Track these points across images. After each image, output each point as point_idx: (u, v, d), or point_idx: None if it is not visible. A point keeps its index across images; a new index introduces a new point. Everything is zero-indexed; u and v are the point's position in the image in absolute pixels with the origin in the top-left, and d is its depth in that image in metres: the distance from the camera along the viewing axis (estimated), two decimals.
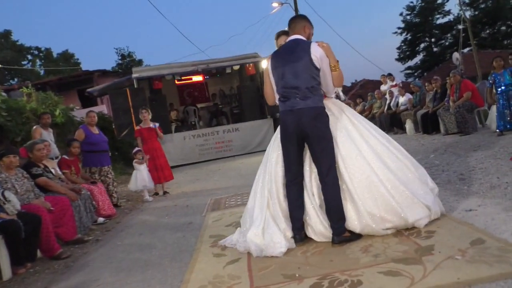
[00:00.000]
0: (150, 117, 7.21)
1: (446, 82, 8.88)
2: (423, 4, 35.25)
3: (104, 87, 13.12)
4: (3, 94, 12.38)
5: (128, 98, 11.68)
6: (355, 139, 3.00)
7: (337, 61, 2.99)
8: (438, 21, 35.74)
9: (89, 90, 13.67)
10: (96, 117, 6.44)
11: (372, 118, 11.62)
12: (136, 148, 6.99)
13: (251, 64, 12.89)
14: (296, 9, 18.31)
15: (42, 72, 33.28)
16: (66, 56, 37.00)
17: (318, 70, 2.91)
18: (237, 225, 3.96)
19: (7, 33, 31.46)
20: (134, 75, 11.87)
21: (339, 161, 2.96)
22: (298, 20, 3.13)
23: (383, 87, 11.74)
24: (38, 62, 35.17)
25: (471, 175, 4.39)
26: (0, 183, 4.01)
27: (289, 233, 3.05)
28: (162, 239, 4.11)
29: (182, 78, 13.50)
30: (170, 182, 8.44)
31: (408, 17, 36.28)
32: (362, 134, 3.04)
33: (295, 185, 3.04)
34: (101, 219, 5.44)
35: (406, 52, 37.63)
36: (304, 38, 3.03)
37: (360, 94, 14.74)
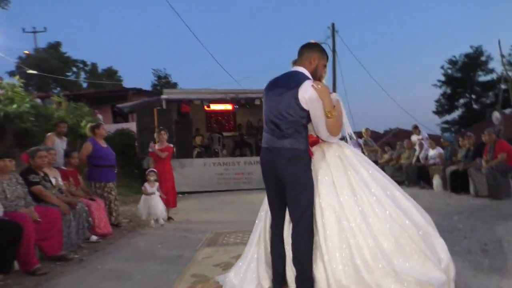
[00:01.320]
0: (167, 137, 7.10)
1: (481, 140, 8.33)
2: (466, 60, 34.62)
3: (134, 104, 13.28)
4: (37, 100, 12.77)
5: (154, 118, 11.72)
6: (342, 190, 2.60)
7: (333, 106, 2.58)
8: (480, 78, 34.91)
9: (118, 106, 13.87)
10: (106, 131, 6.30)
11: (399, 169, 11.09)
12: (150, 169, 6.79)
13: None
14: (334, 49, 18.28)
15: (85, 85, 34.62)
16: (110, 73, 38.40)
17: (304, 111, 2.58)
18: (226, 266, 3.63)
19: (57, 45, 33.09)
20: (163, 96, 11.94)
21: (318, 212, 2.58)
22: (306, 49, 2.79)
23: (414, 138, 11.24)
24: (82, 75, 36.66)
25: (496, 247, 3.88)
26: None
27: (266, 283, 2.71)
28: (144, 269, 3.80)
29: (211, 105, 13.50)
30: (179, 208, 8.20)
31: (450, 71, 35.66)
32: (355, 187, 2.61)
33: (277, 231, 2.72)
34: (94, 237, 5.21)
35: (444, 106, 36.75)
36: (305, 71, 2.72)
37: (389, 142, 14.21)
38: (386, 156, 11.89)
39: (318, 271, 2.49)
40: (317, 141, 2.81)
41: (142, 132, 11.82)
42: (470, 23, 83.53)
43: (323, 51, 2.80)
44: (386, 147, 12.26)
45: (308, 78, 2.64)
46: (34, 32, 33.10)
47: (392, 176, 10.95)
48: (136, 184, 11.83)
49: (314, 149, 2.79)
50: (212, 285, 3.14)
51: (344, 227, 2.48)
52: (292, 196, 2.57)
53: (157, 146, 7.03)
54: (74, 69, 35.37)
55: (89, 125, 6.75)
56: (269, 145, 2.66)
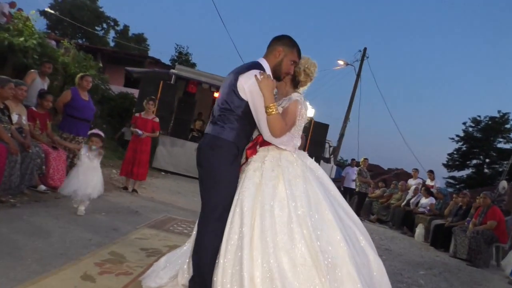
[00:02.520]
0: (154, 109, 6.79)
1: (474, 201, 7.89)
2: (489, 122, 33.91)
3: (143, 71, 13.04)
4: (52, 42, 12.56)
5: (158, 90, 11.44)
6: (265, 199, 2.24)
7: (272, 102, 2.27)
8: (499, 145, 34.12)
9: (128, 68, 13.63)
10: (91, 84, 5.97)
11: (386, 208, 10.68)
12: (94, 130, 4.79)
13: None
14: (359, 73, 17.86)
15: (112, 43, 34.55)
16: (139, 39, 38.26)
17: (242, 101, 2.32)
18: (152, 253, 3.29)
19: None
20: (173, 71, 11.67)
21: (236, 216, 2.25)
22: (274, 41, 2.48)
23: (411, 181, 10.81)
24: (112, 33, 36.56)
25: None
26: None
27: (182, 278, 2.46)
28: (67, 232, 3.48)
29: (218, 91, 13.18)
30: (150, 183, 7.89)
31: (471, 128, 34.94)
32: (280, 199, 2.25)
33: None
34: (42, 187, 4.90)
35: (455, 161, 36.01)
36: (265, 63, 2.43)
37: (386, 179, 13.78)
38: (377, 192, 11.48)
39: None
40: (267, 143, 2.46)
41: (141, 100, 11.51)
42: (504, 88, 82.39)
43: (292, 45, 2.46)
44: (380, 183, 11.86)
45: (253, 69, 2.35)
46: None
47: (378, 214, 10.77)
48: (121, 149, 11.58)
49: (261, 150, 2.49)
50: (121, 269, 2.80)
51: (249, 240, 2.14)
52: (203, 189, 2.36)
53: (142, 115, 6.74)
54: (104, 25, 35.28)
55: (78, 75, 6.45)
56: (206, 130, 2.47)
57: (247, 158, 2.51)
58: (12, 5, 12.37)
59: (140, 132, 6.49)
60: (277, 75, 2.45)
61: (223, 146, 2.35)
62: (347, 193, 13.02)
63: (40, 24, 30.53)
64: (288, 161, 2.39)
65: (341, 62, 18.44)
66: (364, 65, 17.88)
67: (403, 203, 10.06)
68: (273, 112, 2.25)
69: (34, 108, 5.30)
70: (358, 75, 17.87)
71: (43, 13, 29.98)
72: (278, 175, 2.31)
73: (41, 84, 5.78)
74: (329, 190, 2.46)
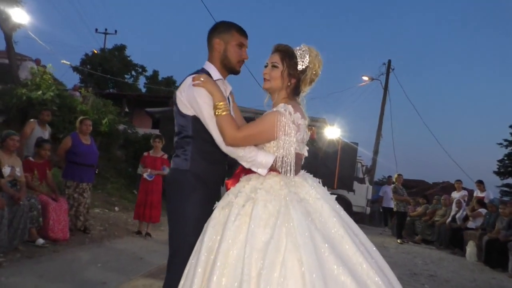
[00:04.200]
0: (161, 146, 6.52)
1: None
2: None
3: (162, 110, 12.98)
4: (76, 94, 12.86)
5: None
6: (222, 240, 1.70)
7: (222, 101, 1.87)
8: None
9: (147, 110, 13.68)
10: (91, 127, 5.78)
11: (431, 226, 9.73)
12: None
13: (313, 128, 11.95)
14: (386, 87, 17.11)
15: (143, 89, 35.70)
16: (169, 82, 39.33)
17: (185, 118, 1.99)
18: None
19: (122, 47, 34.44)
20: None
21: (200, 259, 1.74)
22: (208, 36, 2.10)
23: (454, 194, 9.83)
24: (142, 79, 37.77)
25: None
26: None
27: None
28: None
29: None
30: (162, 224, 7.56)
31: None
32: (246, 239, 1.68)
33: None
34: (40, 241, 4.60)
35: (508, 167, 33.53)
36: (209, 66, 2.06)
37: (428, 194, 12.74)
38: (419, 209, 10.53)
39: None
40: (251, 171, 1.94)
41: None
42: None
43: (227, 28, 2.07)
44: (420, 199, 10.91)
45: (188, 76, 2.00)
46: (105, 33, 34.91)
47: (423, 234, 9.80)
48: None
49: (242, 179, 1.96)
50: None
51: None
52: (169, 229, 2.01)
53: (150, 153, 6.48)
54: (133, 72, 36.59)
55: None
56: None
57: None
58: (37, 61, 12.88)
59: (149, 177, 6.19)
60: (231, 69, 2.09)
61: (177, 178, 2.01)
62: (387, 213, 12.13)
63: (74, 79, 32.03)
64: (266, 192, 1.82)
65: (365, 78, 17.79)
66: (391, 77, 17.16)
67: (448, 220, 9.10)
68: (222, 113, 1.85)
69: (31, 158, 5.12)
70: (385, 89, 17.13)
71: (75, 68, 31.56)
72: (245, 213, 1.76)
73: (42, 132, 5.66)
74: (333, 233, 1.77)
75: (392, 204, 10.23)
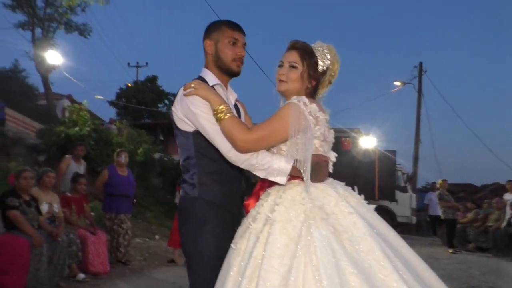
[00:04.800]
0: None
1: None
2: None
3: None
4: (112, 127, 13.25)
5: None
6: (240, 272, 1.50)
7: (222, 104, 1.64)
8: None
9: None
10: (127, 158, 5.88)
11: (484, 232, 9.11)
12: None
13: (348, 139, 11.72)
14: (419, 90, 16.57)
15: None
16: None
17: (184, 135, 1.77)
18: None
19: (154, 78, 35.54)
20: None
21: None
22: (202, 42, 1.88)
23: (507, 196, 9.20)
24: None
25: None
26: None
27: None
28: None
29: None
30: None
31: None
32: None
33: None
34: (80, 276, 4.61)
35: None
36: (205, 72, 1.85)
37: (477, 198, 12.04)
38: (470, 215, 9.91)
39: None
40: (269, 184, 1.71)
41: None
42: None
43: (217, 26, 1.84)
44: (469, 204, 10.30)
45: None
46: (137, 66, 36.16)
47: (476, 241, 9.19)
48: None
49: (261, 197, 1.69)
50: None
51: None
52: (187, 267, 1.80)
53: None
54: (166, 101, 37.57)
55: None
56: None
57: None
58: (69, 97, 13.45)
59: None
60: (227, 70, 1.83)
61: (186, 207, 1.79)
62: (434, 221, 11.54)
63: (110, 113, 33.22)
64: (286, 209, 1.55)
65: (397, 83, 17.32)
66: (424, 80, 16.64)
67: (503, 224, 8.48)
68: (225, 117, 1.60)
69: (68, 194, 5.22)
70: (419, 92, 16.60)
71: (111, 103, 32.82)
72: (263, 241, 1.52)
73: (77, 167, 5.78)
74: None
75: (439, 212, 9.71)
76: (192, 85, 1.69)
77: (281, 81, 1.74)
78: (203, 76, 1.84)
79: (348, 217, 1.53)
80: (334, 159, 1.79)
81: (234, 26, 1.83)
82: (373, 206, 1.72)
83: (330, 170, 1.78)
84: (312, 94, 1.77)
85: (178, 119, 1.76)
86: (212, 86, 1.78)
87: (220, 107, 1.62)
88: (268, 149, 1.68)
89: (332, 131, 1.77)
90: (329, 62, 1.76)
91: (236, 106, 1.91)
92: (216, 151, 1.70)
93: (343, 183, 1.78)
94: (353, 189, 1.75)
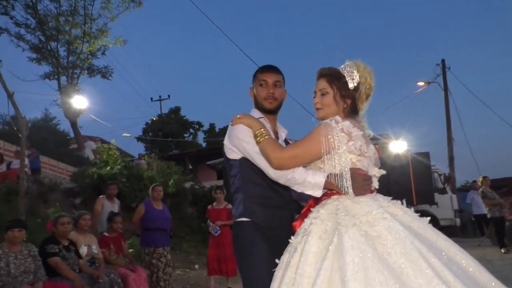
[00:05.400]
0: (223, 197, 6.47)
1: None
2: None
3: (221, 161, 13.15)
4: (141, 162, 13.53)
5: None
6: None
7: (261, 128, 1.86)
8: None
9: (208, 163, 13.95)
10: (162, 192, 5.95)
11: None
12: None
13: (377, 146, 11.42)
14: (445, 87, 16.16)
15: (204, 144, 36.99)
16: (225, 131, 40.49)
17: (234, 161, 2.01)
18: None
19: (177, 109, 36.30)
20: None
21: None
22: None
23: None
24: (201, 135, 39.21)
25: None
26: None
27: None
28: None
29: None
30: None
31: None
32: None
33: None
34: None
35: None
36: (253, 112, 2.13)
37: None
38: None
39: None
40: (310, 206, 1.76)
41: (228, 186, 11.50)
42: None
43: (255, 72, 2.17)
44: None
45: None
46: (160, 100, 36.99)
47: None
48: None
49: (312, 213, 1.71)
50: None
51: None
52: None
53: (214, 206, 6.45)
54: (191, 130, 38.11)
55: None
56: None
57: None
58: (91, 138, 13.86)
59: (214, 232, 6.14)
60: (262, 108, 2.10)
61: (237, 233, 1.98)
62: (480, 221, 11.01)
63: (139, 148, 33.99)
64: (322, 221, 1.59)
65: (421, 83, 16.97)
66: (448, 76, 16.23)
67: None
68: (262, 139, 1.82)
69: (106, 233, 5.29)
70: (445, 90, 16.18)
71: (139, 138, 33.64)
72: (299, 251, 1.57)
73: (111, 206, 5.87)
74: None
75: (484, 210, 9.27)
76: (238, 116, 1.96)
77: (317, 109, 1.87)
78: (250, 113, 2.10)
79: (382, 222, 1.53)
80: (377, 174, 1.82)
81: (263, 69, 2.12)
82: (424, 218, 1.68)
83: (376, 186, 1.80)
84: (351, 112, 1.84)
85: (228, 150, 2.02)
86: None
87: (259, 131, 1.84)
88: (305, 167, 1.78)
89: (372, 146, 1.81)
90: (357, 77, 1.82)
91: (286, 141, 2.17)
92: (260, 176, 1.89)
93: (389, 198, 1.74)
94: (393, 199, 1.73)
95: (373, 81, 1.85)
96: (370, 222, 1.53)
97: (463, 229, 13.00)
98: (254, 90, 2.13)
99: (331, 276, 1.41)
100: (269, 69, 2.11)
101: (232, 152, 1.99)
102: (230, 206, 6.48)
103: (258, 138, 1.82)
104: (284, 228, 1.90)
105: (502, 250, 8.27)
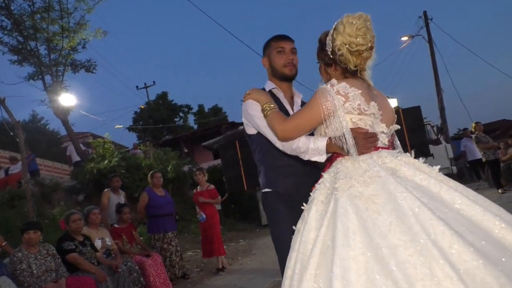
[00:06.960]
0: (205, 178, 6.51)
1: None
2: None
3: (216, 141, 13.24)
4: (137, 151, 13.53)
5: (237, 151, 11.42)
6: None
7: (267, 102, 1.90)
8: None
9: (204, 144, 14.00)
10: (161, 178, 6.02)
11: None
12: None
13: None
14: (430, 39, 16.16)
15: (195, 126, 36.85)
16: (216, 110, 40.27)
17: (252, 136, 2.10)
18: None
19: (164, 95, 35.94)
20: (241, 127, 11.63)
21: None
22: None
23: None
24: (191, 117, 39.02)
25: None
26: (14, 264, 3.70)
27: None
28: None
29: None
30: (261, 244, 7.58)
31: None
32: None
33: None
34: None
35: None
36: (266, 84, 2.20)
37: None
38: (511, 151, 9.63)
39: None
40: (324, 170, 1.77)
41: (227, 167, 11.56)
42: None
43: (267, 44, 2.19)
44: (509, 140, 9.99)
45: None
46: (145, 87, 36.52)
47: None
48: (229, 221, 11.61)
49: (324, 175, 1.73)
50: None
51: None
52: None
53: (198, 189, 6.48)
54: (181, 114, 37.87)
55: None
56: None
57: None
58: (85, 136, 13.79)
59: (201, 219, 6.23)
60: (281, 75, 2.13)
61: (263, 202, 2.12)
62: (476, 166, 11.28)
63: (132, 137, 33.81)
64: (324, 186, 1.65)
65: (405, 38, 16.94)
66: (432, 28, 16.21)
67: None
68: (268, 113, 1.87)
69: (116, 225, 5.39)
70: (430, 41, 16.19)
71: (130, 128, 33.44)
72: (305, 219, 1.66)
73: (117, 198, 5.95)
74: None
75: (478, 155, 9.49)
76: (248, 92, 2.00)
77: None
78: (264, 87, 2.15)
79: (378, 180, 1.52)
80: (385, 130, 1.76)
81: (279, 37, 2.12)
82: (434, 168, 1.74)
83: (385, 142, 1.76)
84: (345, 73, 1.76)
85: (246, 126, 2.08)
86: (270, 91, 2.10)
87: (265, 105, 1.88)
88: (312, 134, 1.82)
89: (373, 103, 1.71)
90: (330, 41, 1.73)
91: (303, 104, 2.17)
92: (268, 145, 1.96)
93: (397, 151, 1.76)
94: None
95: (362, 37, 1.67)
96: (367, 182, 1.53)
97: (460, 176, 13.29)
98: (271, 58, 2.12)
99: (324, 244, 1.47)
100: (284, 37, 2.13)
101: (249, 127, 2.06)
102: (212, 186, 6.50)
103: (265, 112, 1.87)
104: (305, 192, 1.85)
105: (499, 191, 8.53)
